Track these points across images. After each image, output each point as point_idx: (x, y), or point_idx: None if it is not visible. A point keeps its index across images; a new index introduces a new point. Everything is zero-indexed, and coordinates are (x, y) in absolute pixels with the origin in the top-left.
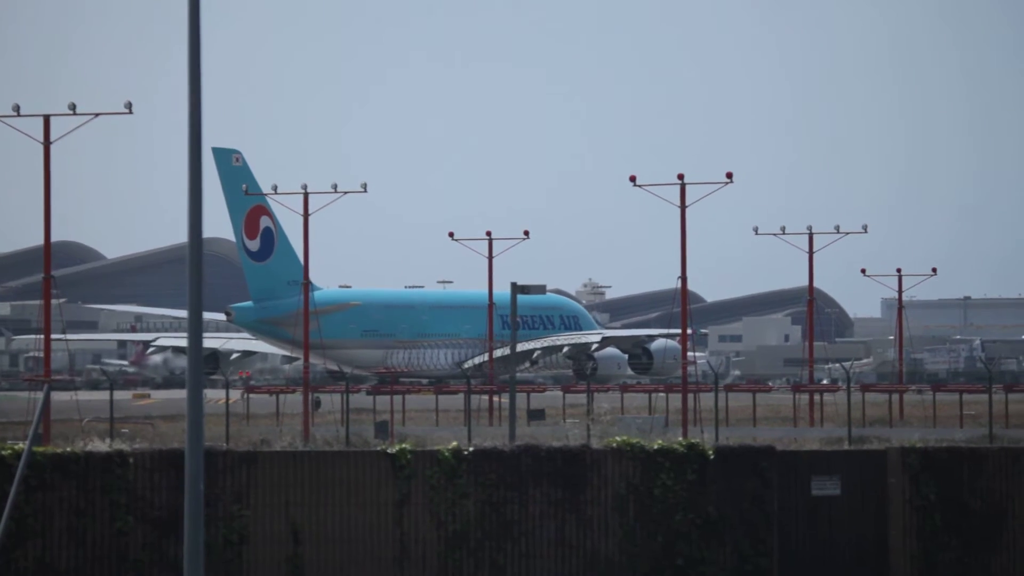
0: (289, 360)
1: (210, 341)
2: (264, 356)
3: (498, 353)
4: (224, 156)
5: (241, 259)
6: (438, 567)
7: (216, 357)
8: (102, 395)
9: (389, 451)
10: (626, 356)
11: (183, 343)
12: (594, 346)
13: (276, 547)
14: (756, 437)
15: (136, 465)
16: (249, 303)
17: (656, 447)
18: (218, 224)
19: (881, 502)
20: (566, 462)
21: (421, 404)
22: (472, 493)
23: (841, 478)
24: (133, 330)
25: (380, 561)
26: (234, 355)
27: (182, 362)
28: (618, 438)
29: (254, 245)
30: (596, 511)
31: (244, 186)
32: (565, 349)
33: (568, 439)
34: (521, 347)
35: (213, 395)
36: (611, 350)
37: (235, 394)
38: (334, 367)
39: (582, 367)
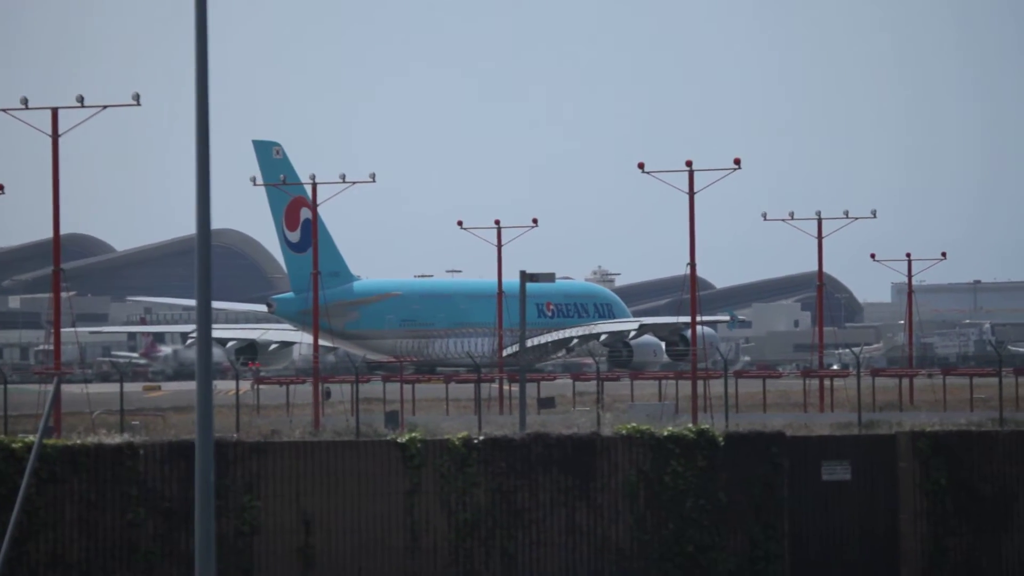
0: (329, 350)
1: (249, 332)
2: (302, 346)
3: (535, 342)
4: (264, 149)
5: (282, 250)
6: (449, 556)
7: (254, 348)
8: (112, 387)
9: (399, 440)
10: (662, 344)
11: (219, 334)
12: (631, 334)
13: (287, 537)
14: (766, 423)
15: (147, 457)
16: (290, 294)
17: (666, 434)
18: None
19: (891, 486)
20: (576, 449)
21: (431, 393)
22: (482, 482)
23: (851, 463)
24: (143, 322)
25: (391, 550)
26: (272, 346)
27: (192, 354)
28: (628, 425)
29: (294, 236)
30: (606, 498)
31: (252, 177)
32: (603, 337)
33: (578, 427)
34: (559, 335)
35: (223, 386)
36: (647, 338)
37: (245, 385)
38: (375, 357)
39: (619, 354)
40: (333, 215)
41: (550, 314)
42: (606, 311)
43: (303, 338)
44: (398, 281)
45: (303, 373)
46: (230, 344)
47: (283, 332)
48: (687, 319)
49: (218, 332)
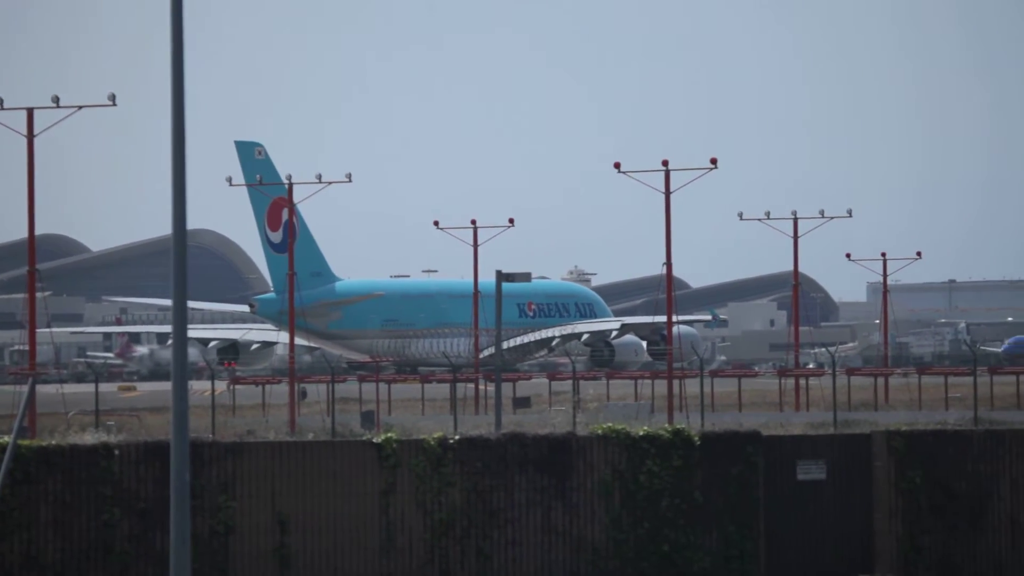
0: (310, 350)
1: (231, 332)
2: (284, 346)
3: (516, 341)
4: (247, 149)
5: (264, 251)
6: (424, 555)
7: (236, 348)
8: (87, 388)
9: (375, 440)
10: (644, 343)
11: (201, 334)
12: (613, 333)
13: (263, 537)
14: (742, 422)
15: (122, 457)
16: (272, 294)
17: (642, 433)
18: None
19: (866, 485)
20: (552, 449)
21: (407, 393)
22: (458, 481)
23: (827, 462)
24: (118, 323)
25: (366, 550)
26: (254, 346)
27: (168, 354)
28: (604, 425)
29: (276, 237)
30: (582, 498)
31: (228, 177)
32: (584, 337)
33: (554, 426)
34: (541, 335)
35: (199, 386)
36: (628, 337)
37: (221, 385)
38: (356, 357)
39: (600, 354)
40: (312, 215)
41: (531, 314)
42: (587, 311)
43: (285, 338)
44: (381, 281)
45: (284, 373)
46: (212, 344)
47: (265, 332)
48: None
49: (200, 332)
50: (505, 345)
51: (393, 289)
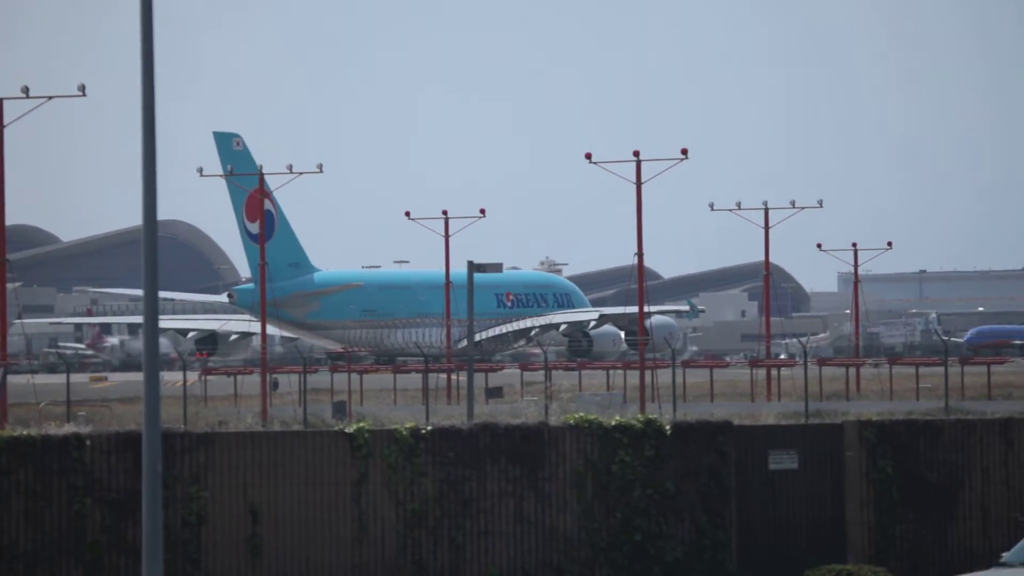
0: (288, 341)
1: (209, 323)
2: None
3: (495, 332)
4: (225, 140)
5: (243, 242)
6: (397, 546)
7: (215, 338)
8: (59, 378)
9: (347, 431)
10: (622, 333)
11: (180, 325)
12: (591, 323)
13: (234, 528)
14: (713, 412)
15: (93, 448)
16: (250, 285)
17: (614, 423)
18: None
19: (838, 475)
20: (524, 439)
21: (379, 383)
22: (430, 472)
23: (798, 452)
24: (89, 313)
25: (339, 540)
26: (233, 336)
27: (139, 344)
28: (576, 415)
29: (255, 228)
30: (554, 488)
31: (199, 168)
32: (563, 327)
33: (526, 417)
34: (519, 325)
35: (170, 377)
36: (607, 327)
37: (192, 376)
38: (334, 347)
39: (578, 344)
40: (288, 206)
41: (510, 304)
42: (565, 301)
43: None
44: (359, 272)
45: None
46: (191, 334)
47: (243, 322)
48: (647, 309)
49: (179, 323)
50: (484, 335)
51: (371, 280)
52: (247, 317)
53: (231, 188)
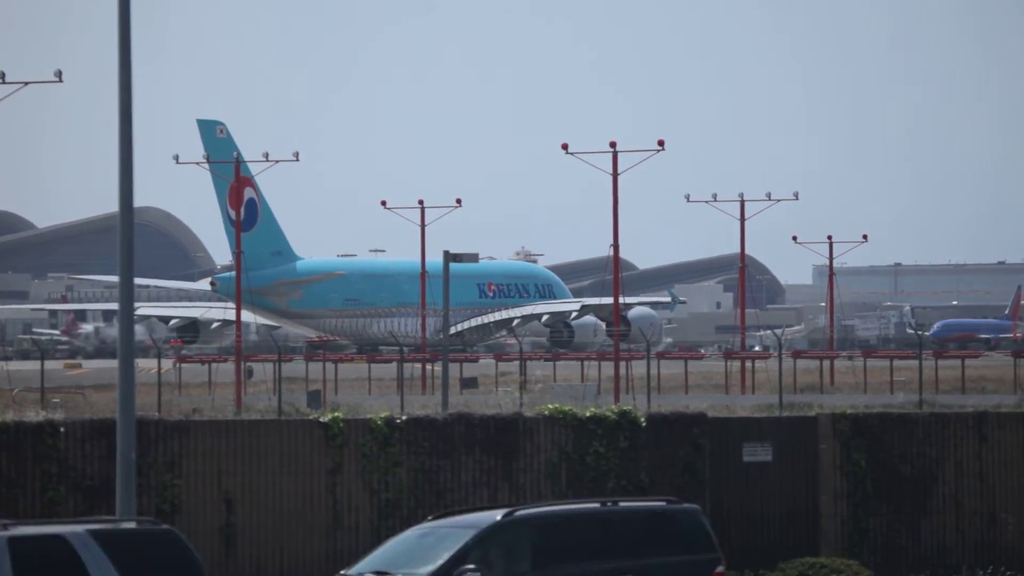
0: (271, 329)
1: (191, 310)
2: (246, 325)
3: (477, 321)
4: (208, 128)
5: (225, 229)
6: (371, 535)
7: (196, 326)
8: (33, 365)
9: (322, 420)
10: (603, 324)
11: (161, 312)
12: (573, 314)
13: (208, 516)
14: (688, 404)
15: (67, 435)
16: (232, 273)
17: (588, 415)
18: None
19: (812, 468)
20: (499, 430)
21: (354, 373)
22: (405, 461)
23: (773, 444)
24: (64, 300)
25: (313, 529)
26: (215, 324)
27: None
28: (550, 406)
29: None
30: (529, 478)
31: (175, 155)
32: (544, 317)
33: (501, 407)
34: (501, 315)
35: (145, 364)
36: (588, 318)
37: (167, 363)
38: (313, 336)
39: (560, 335)
40: (265, 194)
41: (491, 294)
42: (547, 291)
43: (246, 316)
44: (342, 261)
45: (248, 350)
46: (173, 322)
47: (226, 310)
48: (629, 300)
49: (161, 310)
50: (466, 325)
51: (354, 268)
52: (229, 305)
53: (214, 177)
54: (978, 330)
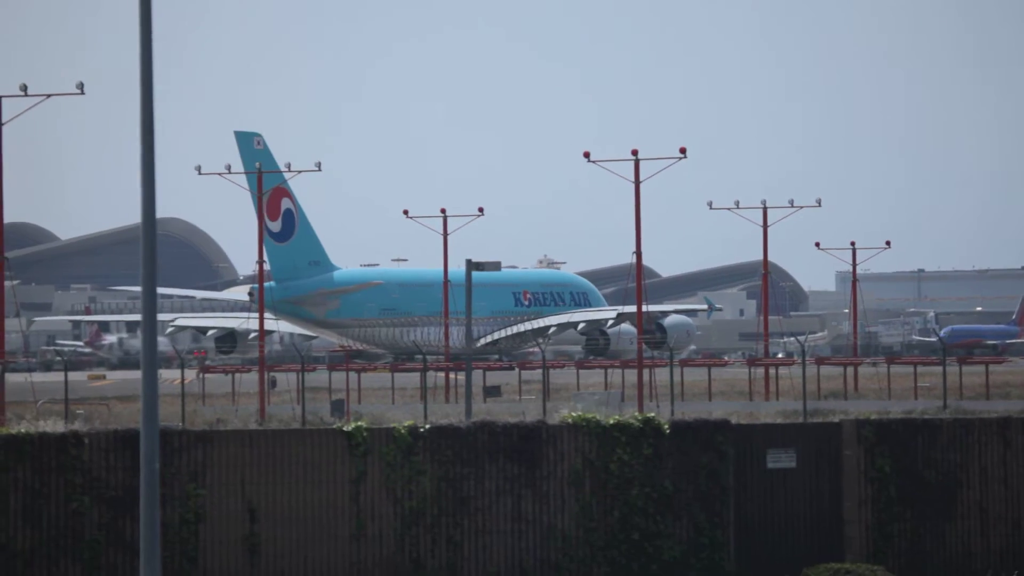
0: (307, 339)
1: (228, 321)
2: (283, 335)
3: (513, 330)
4: (246, 140)
5: (264, 240)
6: (395, 544)
7: (234, 336)
8: (57, 376)
9: (345, 429)
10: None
11: (200, 323)
12: (609, 322)
13: (232, 526)
14: (712, 411)
15: (91, 446)
16: (271, 283)
17: (612, 422)
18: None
19: (836, 474)
20: (522, 438)
21: (377, 382)
22: (428, 470)
23: (797, 451)
24: (88, 311)
25: (337, 539)
26: (252, 334)
27: (137, 342)
28: (574, 413)
29: (275, 226)
30: (552, 486)
31: (198, 166)
32: (580, 325)
33: (524, 415)
34: (537, 324)
35: (168, 375)
36: (624, 326)
37: (190, 374)
38: (351, 346)
39: (595, 342)
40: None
41: (527, 303)
42: (582, 299)
43: (283, 326)
44: (379, 270)
45: (283, 360)
46: (211, 332)
47: (264, 321)
48: (663, 308)
49: (199, 321)
50: (503, 334)
51: (391, 278)
52: (268, 315)
53: (252, 187)
54: (985, 336)
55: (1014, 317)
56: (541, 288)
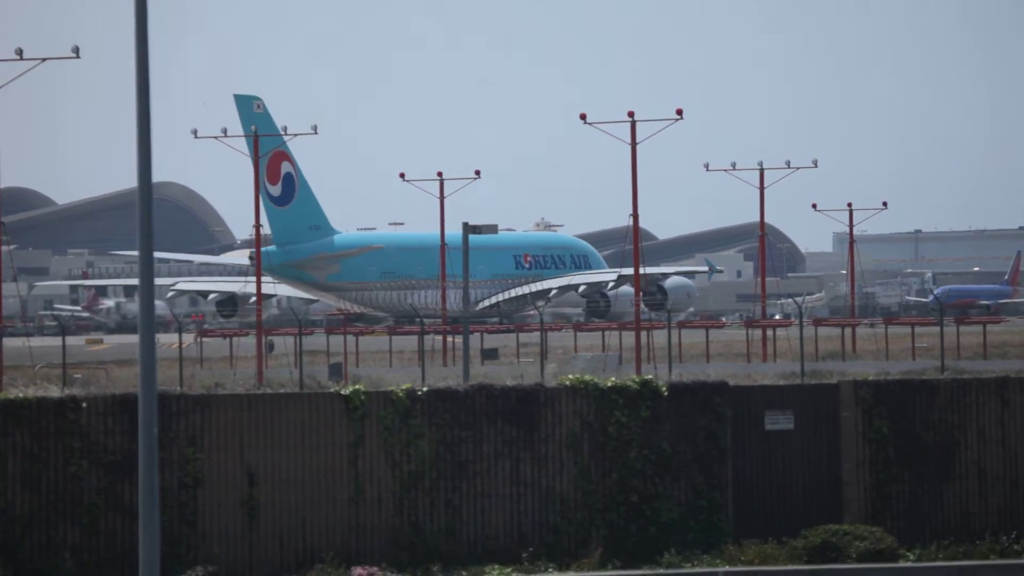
0: (308, 302)
1: (230, 284)
2: (281, 299)
3: (514, 293)
4: (246, 103)
5: (264, 203)
6: (393, 507)
7: (235, 300)
8: (54, 341)
9: (343, 392)
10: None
11: (201, 287)
12: (609, 284)
13: (231, 489)
14: (709, 373)
15: (89, 410)
16: (272, 247)
17: (610, 384)
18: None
19: (834, 435)
20: (520, 401)
21: (375, 345)
22: (426, 433)
23: (794, 412)
24: (85, 276)
25: (335, 502)
26: (253, 298)
27: (135, 307)
28: (572, 376)
29: (276, 190)
30: (551, 449)
31: (194, 129)
32: (581, 288)
33: (522, 378)
34: (538, 286)
35: (166, 339)
36: (624, 288)
37: (188, 338)
38: (351, 309)
39: (596, 305)
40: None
41: (528, 266)
42: (582, 262)
43: (283, 290)
44: (379, 234)
45: (283, 323)
46: (212, 296)
47: (264, 284)
48: (664, 270)
49: (200, 285)
50: (504, 296)
51: (391, 242)
52: (268, 279)
53: (251, 151)
54: (978, 296)
55: (1006, 277)
56: (542, 251)
